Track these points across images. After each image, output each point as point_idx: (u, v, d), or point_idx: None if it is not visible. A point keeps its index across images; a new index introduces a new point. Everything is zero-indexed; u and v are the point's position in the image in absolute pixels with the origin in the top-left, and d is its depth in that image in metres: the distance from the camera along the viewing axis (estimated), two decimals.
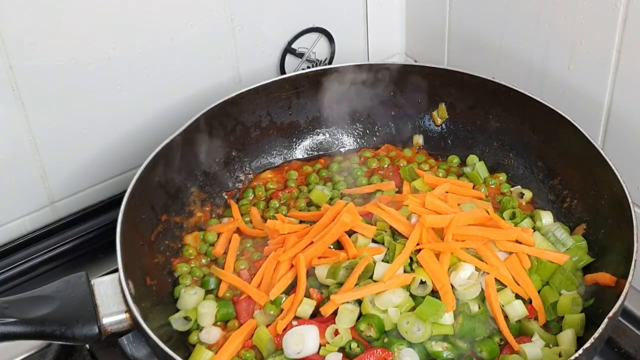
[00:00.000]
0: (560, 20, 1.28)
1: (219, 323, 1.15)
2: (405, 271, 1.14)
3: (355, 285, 1.12)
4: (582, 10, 1.23)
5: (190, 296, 1.17)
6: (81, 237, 1.35)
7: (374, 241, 1.20)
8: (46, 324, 1.03)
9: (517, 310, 1.12)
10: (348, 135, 1.46)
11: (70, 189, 1.36)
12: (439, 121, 1.43)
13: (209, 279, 1.21)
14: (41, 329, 1.02)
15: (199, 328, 1.15)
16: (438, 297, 1.10)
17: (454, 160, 1.40)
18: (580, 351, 0.97)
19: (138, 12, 1.28)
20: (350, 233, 1.20)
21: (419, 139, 1.45)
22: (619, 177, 1.14)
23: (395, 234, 1.20)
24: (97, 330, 1.04)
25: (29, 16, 1.18)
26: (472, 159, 1.39)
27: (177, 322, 1.15)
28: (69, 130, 1.30)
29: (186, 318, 1.15)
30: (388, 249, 1.17)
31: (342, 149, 1.46)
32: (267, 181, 1.39)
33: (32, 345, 1.22)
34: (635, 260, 1.06)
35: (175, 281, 1.23)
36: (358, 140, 1.46)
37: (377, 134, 1.46)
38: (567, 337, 1.09)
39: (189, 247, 1.26)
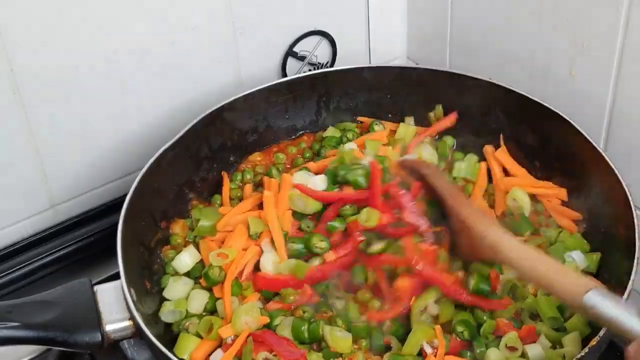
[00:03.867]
0: (562, 23, 1.28)
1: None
2: None
3: None
4: (584, 12, 1.24)
5: (180, 286, 1.16)
6: (82, 240, 1.34)
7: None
8: (49, 329, 1.01)
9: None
10: None
11: (71, 192, 1.35)
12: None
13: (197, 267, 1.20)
14: (44, 334, 1.01)
15: (186, 316, 1.14)
16: None
17: None
18: (586, 349, 0.98)
19: (139, 15, 1.28)
20: None
21: None
22: (621, 179, 1.14)
23: None
24: (99, 338, 1.04)
25: (30, 18, 1.17)
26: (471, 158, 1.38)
27: (166, 315, 1.14)
28: (69, 133, 1.30)
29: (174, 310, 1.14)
30: None
31: None
32: (256, 164, 1.38)
33: (32, 349, 1.20)
34: (638, 258, 1.06)
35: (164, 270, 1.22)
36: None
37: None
38: (572, 338, 1.08)
39: (176, 236, 1.25)
